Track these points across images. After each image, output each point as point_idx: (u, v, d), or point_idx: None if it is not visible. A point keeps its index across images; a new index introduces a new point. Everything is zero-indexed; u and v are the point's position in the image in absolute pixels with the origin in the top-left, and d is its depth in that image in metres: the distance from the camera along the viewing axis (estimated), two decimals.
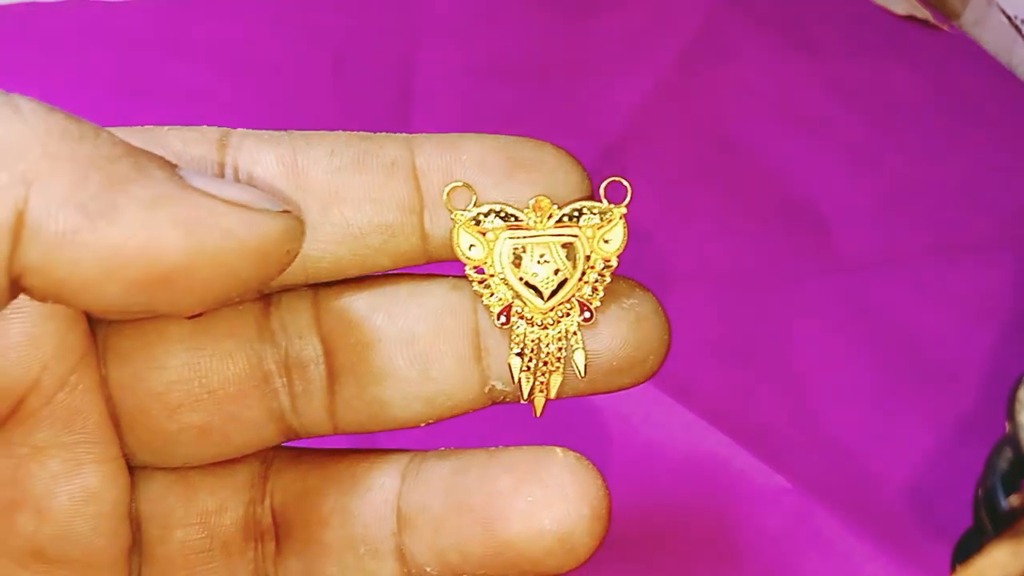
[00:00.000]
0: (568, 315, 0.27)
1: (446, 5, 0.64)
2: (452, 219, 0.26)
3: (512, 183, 0.26)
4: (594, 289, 0.27)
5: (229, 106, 0.58)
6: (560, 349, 0.27)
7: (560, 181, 0.26)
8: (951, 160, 0.59)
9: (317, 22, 0.63)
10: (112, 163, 0.21)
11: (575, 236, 0.27)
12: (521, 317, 0.27)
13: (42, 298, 0.21)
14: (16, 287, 0.20)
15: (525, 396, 0.27)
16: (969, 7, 0.65)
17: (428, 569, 0.27)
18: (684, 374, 0.48)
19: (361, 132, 0.27)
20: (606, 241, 0.27)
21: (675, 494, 0.48)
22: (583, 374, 0.27)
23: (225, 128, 0.26)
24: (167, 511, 0.28)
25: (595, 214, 0.27)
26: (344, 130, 0.27)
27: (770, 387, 0.51)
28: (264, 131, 0.26)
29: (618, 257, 0.27)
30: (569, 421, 0.42)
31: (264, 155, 0.26)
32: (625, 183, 0.27)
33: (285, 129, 0.27)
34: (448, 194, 0.26)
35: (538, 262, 0.27)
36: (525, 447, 0.27)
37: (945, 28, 0.65)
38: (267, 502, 0.28)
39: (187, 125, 0.26)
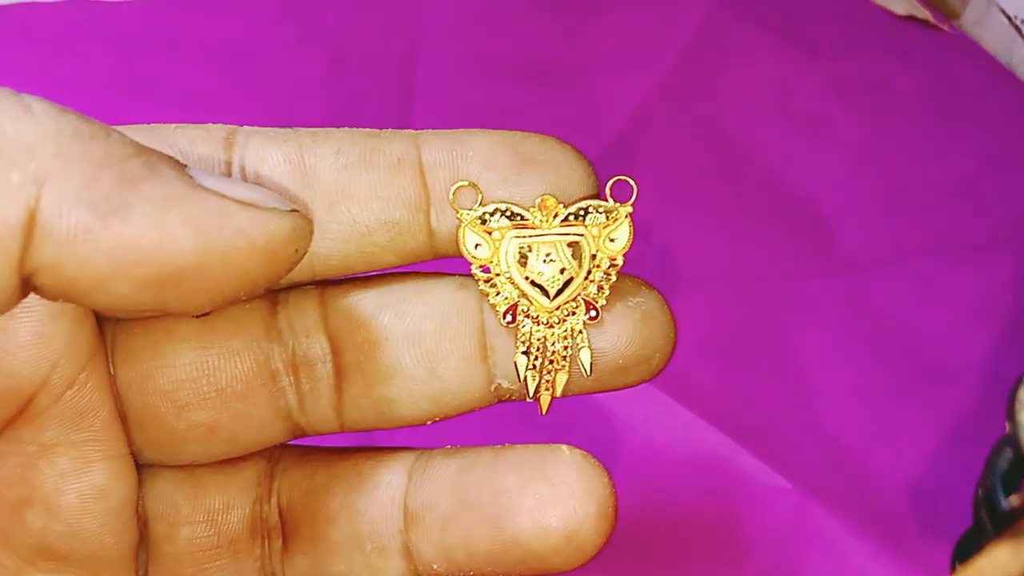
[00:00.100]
0: (574, 313, 0.27)
1: (446, 5, 0.64)
2: (458, 218, 0.26)
3: (518, 179, 0.26)
4: (600, 288, 0.27)
5: (229, 106, 0.58)
6: (566, 347, 0.27)
7: (566, 176, 0.26)
8: (951, 160, 0.59)
9: (317, 22, 0.63)
10: (123, 162, 0.21)
11: (581, 235, 0.27)
12: (527, 316, 0.27)
13: (53, 297, 0.21)
14: (27, 286, 0.21)
15: (531, 394, 0.27)
16: (969, 7, 0.65)
17: (435, 567, 0.27)
18: (684, 374, 0.48)
19: (367, 129, 0.27)
20: (612, 240, 0.27)
21: (675, 494, 0.48)
22: (589, 372, 0.27)
23: (231, 126, 0.26)
24: (174, 509, 0.28)
25: (601, 213, 0.27)
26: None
27: (770, 387, 0.51)
28: (270, 128, 0.26)
29: (624, 256, 0.27)
30: (569, 421, 0.42)
31: (271, 153, 0.26)
32: (631, 182, 0.27)
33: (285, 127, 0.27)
34: (454, 193, 0.26)
35: (544, 261, 0.27)
36: (531, 445, 0.27)
37: (945, 28, 0.65)
38: (274, 500, 0.28)
39: (191, 123, 0.26)
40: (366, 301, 0.27)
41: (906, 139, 0.60)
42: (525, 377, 0.27)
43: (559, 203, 0.26)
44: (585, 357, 0.27)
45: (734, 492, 0.47)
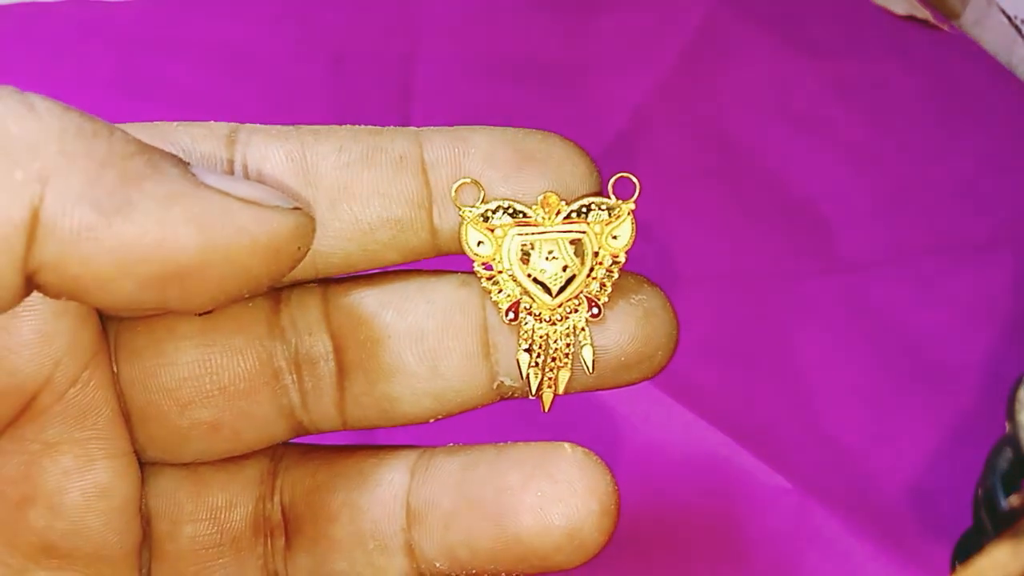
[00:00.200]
0: (576, 311, 0.27)
1: (446, 4, 0.64)
2: (460, 215, 0.26)
3: (521, 176, 0.26)
4: (602, 285, 0.27)
5: (229, 106, 0.58)
6: (568, 345, 0.27)
7: (568, 173, 0.26)
8: (951, 160, 0.59)
9: (317, 22, 0.63)
10: (126, 160, 0.21)
11: (583, 232, 0.27)
12: (529, 313, 0.27)
13: (56, 295, 0.21)
14: (31, 284, 0.21)
15: (533, 392, 0.27)
16: (969, 7, 0.65)
17: (437, 564, 0.27)
18: (684, 374, 0.48)
19: (369, 126, 0.27)
20: (614, 237, 0.27)
21: (675, 494, 0.48)
22: (591, 370, 0.27)
23: (234, 124, 0.26)
24: (177, 507, 0.28)
25: (603, 210, 0.27)
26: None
27: (770, 387, 0.51)
28: (272, 126, 0.26)
29: (626, 253, 0.27)
30: (571, 419, 0.42)
31: (273, 151, 0.26)
32: (633, 179, 0.27)
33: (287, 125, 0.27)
34: (456, 190, 0.26)
35: (546, 258, 0.27)
36: (534, 443, 0.27)
37: (945, 28, 0.65)
38: (277, 498, 0.28)
39: (193, 121, 0.26)
40: (369, 299, 0.27)
41: (906, 139, 0.60)
42: (527, 374, 0.27)
43: (561, 200, 0.26)
44: (587, 354, 0.27)
45: (734, 492, 0.47)
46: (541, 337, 0.27)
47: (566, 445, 0.27)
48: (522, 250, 0.27)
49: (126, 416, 0.26)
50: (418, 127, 0.27)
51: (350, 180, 0.26)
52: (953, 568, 0.43)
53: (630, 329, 0.27)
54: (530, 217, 0.26)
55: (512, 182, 0.26)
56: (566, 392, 0.28)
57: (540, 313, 0.27)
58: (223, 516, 0.28)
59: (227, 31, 0.62)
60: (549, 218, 0.26)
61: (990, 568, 0.32)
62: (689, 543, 0.46)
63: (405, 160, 0.26)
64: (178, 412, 0.27)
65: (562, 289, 0.27)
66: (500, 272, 0.27)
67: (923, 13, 0.65)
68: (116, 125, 0.22)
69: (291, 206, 0.23)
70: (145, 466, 0.27)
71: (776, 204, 0.57)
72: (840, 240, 0.56)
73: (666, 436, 0.48)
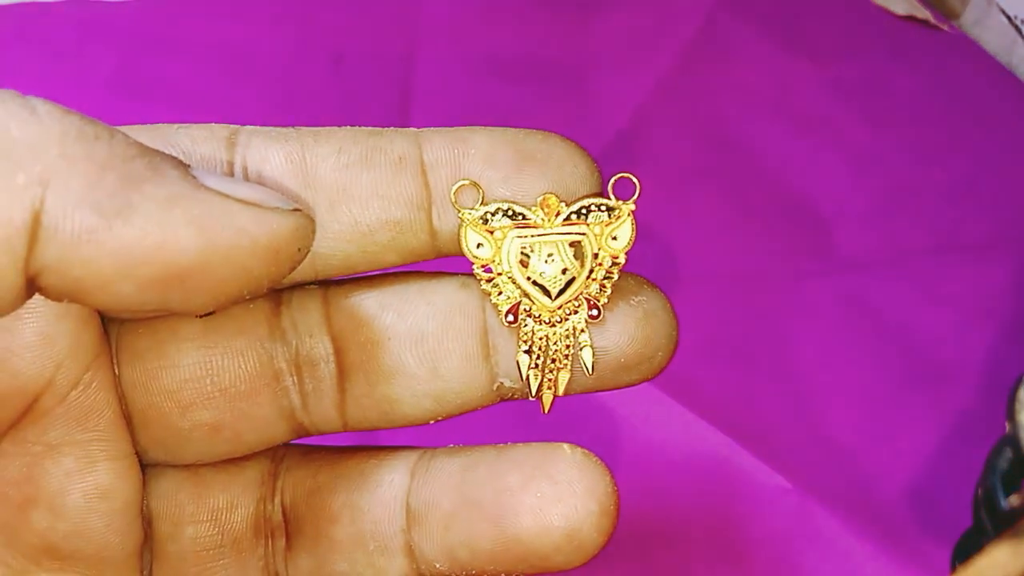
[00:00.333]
0: (576, 312, 0.27)
1: (446, 4, 0.64)
2: (460, 218, 0.26)
3: (521, 177, 0.26)
4: (602, 287, 0.27)
5: (229, 106, 0.58)
6: (568, 347, 0.27)
7: (569, 174, 0.26)
8: (951, 160, 0.59)
9: (317, 22, 0.63)
10: (127, 163, 0.21)
11: (583, 234, 0.27)
12: (529, 315, 0.27)
13: (58, 297, 0.21)
14: (32, 286, 0.21)
15: (533, 393, 0.27)
16: (969, 7, 0.65)
17: (437, 565, 0.27)
18: (684, 374, 0.48)
19: (369, 127, 0.27)
20: (614, 238, 0.27)
21: (675, 494, 0.48)
22: (591, 371, 0.27)
23: (234, 126, 0.26)
24: (178, 508, 0.28)
25: (603, 211, 0.27)
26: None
27: (770, 387, 0.51)
28: (272, 128, 0.26)
29: (626, 254, 0.27)
30: (571, 420, 0.42)
31: (272, 153, 0.26)
32: (634, 180, 0.27)
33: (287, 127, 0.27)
34: (455, 193, 0.26)
35: (545, 261, 0.27)
36: (533, 444, 0.27)
37: (945, 28, 0.65)
38: (277, 499, 0.28)
39: (193, 123, 0.26)
40: (369, 301, 0.27)
41: (906, 139, 0.60)
42: (527, 376, 0.27)
43: (561, 201, 0.26)
44: (587, 356, 0.27)
45: (734, 492, 0.47)
46: (541, 339, 0.27)
47: (565, 446, 0.27)
48: (522, 253, 0.27)
49: (127, 418, 0.27)
50: (418, 128, 0.27)
51: (349, 182, 0.26)
52: (953, 568, 0.43)
53: (630, 330, 0.27)
54: (529, 219, 0.26)
55: (512, 183, 0.26)
56: (566, 393, 0.28)
57: (540, 315, 0.27)
58: (224, 517, 0.28)
59: (227, 31, 0.62)
60: (548, 220, 0.26)
61: (990, 568, 0.32)
62: (689, 543, 0.46)
63: (404, 161, 0.26)
64: (179, 414, 0.27)
65: (561, 291, 0.27)
66: (499, 274, 0.27)
67: (923, 13, 0.65)
68: (116, 128, 0.22)
69: (291, 207, 0.23)
70: (146, 468, 0.27)
71: (776, 204, 0.57)
72: (840, 240, 0.56)
73: (666, 436, 0.48)
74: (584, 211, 0.26)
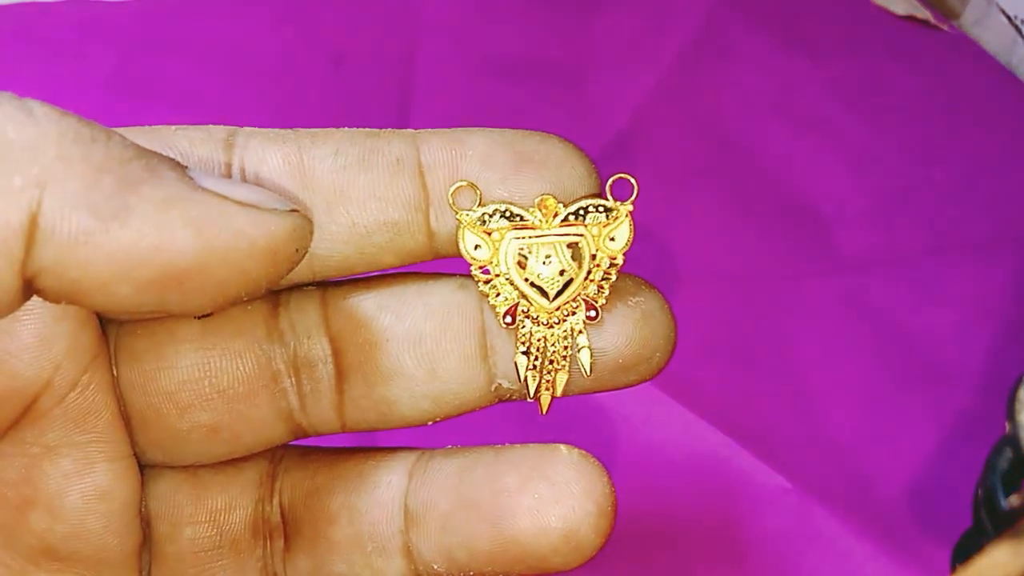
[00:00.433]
0: (574, 313, 0.27)
1: (446, 4, 0.64)
2: (457, 219, 0.26)
3: (519, 178, 0.26)
4: (600, 288, 0.27)
5: (229, 106, 0.58)
6: (566, 347, 0.27)
7: (567, 175, 0.26)
8: (951, 160, 0.59)
9: (316, 21, 0.63)
10: (124, 165, 0.21)
11: (581, 235, 0.27)
12: (527, 316, 0.27)
13: (55, 299, 0.21)
14: (30, 288, 0.21)
15: (531, 394, 0.27)
16: (969, 7, 0.65)
17: (435, 566, 0.27)
18: (684, 374, 0.48)
19: (367, 129, 0.27)
20: (612, 239, 0.27)
21: (675, 494, 0.48)
22: (588, 372, 0.27)
23: (231, 127, 0.26)
24: (177, 509, 0.28)
25: (601, 212, 0.27)
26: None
27: (770, 387, 0.51)
28: (270, 130, 0.26)
29: (624, 255, 0.27)
30: (569, 421, 0.42)
31: (270, 154, 0.26)
32: (632, 180, 0.27)
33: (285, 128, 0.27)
34: (452, 194, 0.26)
35: (543, 263, 0.27)
36: (531, 445, 0.27)
37: (945, 28, 0.65)
38: (276, 500, 0.28)
39: (191, 124, 0.26)
40: (367, 302, 0.27)
41: (906, 139, 0.60)
42: (525, 377, 0.27)
43: (559, 203, 0.26)
44: (585, 357, 0.27)
45: (734, 492, 0.47)
46: (539, 340, 0.27)
47: (563, 447, 0.27)
48: (519, 254, 0.27)
49: (126, 419, 0.27)
50: (417, 128, 0.27)
51: (347, 183, 0.26)
52: (953, 568, 0.43)
53: (627, 331, 0.27)
54: (527, 220, 0.26)
55: (510, 184, 0.26)
56: (564, 394, 0.28)
57: (538, 316, 0.27)
58: (222, 518, 0.28)
59: (227, 31, 0.62)
60: (546, 221, 0.26)
61: (990, 568, 0.32)
62: (688, 543, 0.46)
63: (402, 163, 0.26)
64: (177, 415, 0.27)
65: (559, 293, 0.27)
66: (497, 276, 0.27)
67: (923, 13, 0.65)
68: (113, 129, 0.22)
69: (288, 208, 0.23)
70: (145, 469, 0.27)
71: (776, 204, 0.57)
72: (840, 240, 0.56)
73: (666, 436, 0.48)
74: (582, 212, 0.26)
